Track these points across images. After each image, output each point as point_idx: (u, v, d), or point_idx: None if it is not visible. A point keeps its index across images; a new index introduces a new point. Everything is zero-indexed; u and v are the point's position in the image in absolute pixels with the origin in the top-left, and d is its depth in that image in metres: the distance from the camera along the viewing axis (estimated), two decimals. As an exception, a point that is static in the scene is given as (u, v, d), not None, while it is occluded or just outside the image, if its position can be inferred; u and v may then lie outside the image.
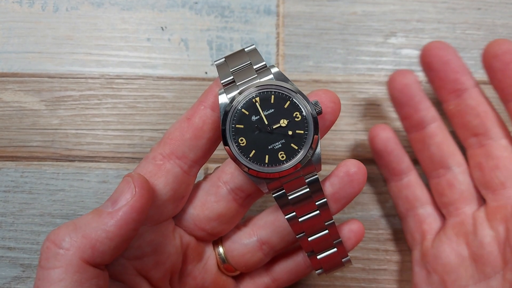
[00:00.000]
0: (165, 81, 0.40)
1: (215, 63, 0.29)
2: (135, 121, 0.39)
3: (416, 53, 0.41)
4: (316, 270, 0.31)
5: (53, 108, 0.39)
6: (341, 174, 0.29)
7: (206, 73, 0.40)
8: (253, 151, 0.27)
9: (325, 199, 0.29)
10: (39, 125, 0.38)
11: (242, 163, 0.27)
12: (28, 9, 0.41)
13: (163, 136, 0.29)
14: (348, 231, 0.31)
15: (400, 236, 0.38)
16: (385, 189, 0.39)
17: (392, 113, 0.40)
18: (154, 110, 0.39)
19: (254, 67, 0.28)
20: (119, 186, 0.26)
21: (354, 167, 0.29)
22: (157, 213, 0.28)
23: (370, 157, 0.39)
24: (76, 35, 0.40)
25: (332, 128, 0.39)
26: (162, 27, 0.41)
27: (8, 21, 0.40)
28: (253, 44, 0.29)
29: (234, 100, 0.27)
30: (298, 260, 0.32)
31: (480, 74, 0.41)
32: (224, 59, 0.29)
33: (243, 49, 0.29)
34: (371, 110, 0.40)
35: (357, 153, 0.39)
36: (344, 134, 0.39)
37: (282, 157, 0.27)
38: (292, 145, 0.27)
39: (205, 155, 0.29)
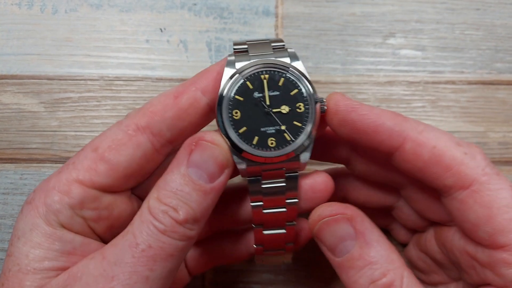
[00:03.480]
0: (164, 82, 0.40)
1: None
2: (134, 122, 0.39)
3: (415, 53, 0.41)
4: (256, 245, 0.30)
5: (52, 110, 0.39)
6: (306, 187, 0.29)
7: (205, 74, 0.40)
8: (244, 128, 0.26)
9: (297, 200, 0.28)
10: (38, 127, 0.38)
11: (230, 137, 0.25)
12: (27, 11, 0.41)
13: (144, 105, 0.27)
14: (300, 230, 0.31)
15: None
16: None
17: (392, 114, 0.40)
18: (153, 111, 0.39)
19: (272, 44, 0.27)
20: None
21: (321, 183, 0.29)
22: (117, 185, 0.27)
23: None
24: (75, 37, 0.40)
25: (332, 129, 0.39)
26: (161, 29, 0.41)
27: (7, 23, 0.40)
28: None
29: (242, 68, 0.26)
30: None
31: (479, 74, 0.41)
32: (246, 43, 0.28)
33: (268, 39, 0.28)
34: (370, 110, 0.40)
35: (356, 153, 0.39)
36: (343, 134, 0.39)
37: (272, 143, 0.26)
38: (285, 134, 0.26)
39: (183, 138, 0.27)
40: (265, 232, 0.29)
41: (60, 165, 0.38)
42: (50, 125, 0.38)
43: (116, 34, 0.41)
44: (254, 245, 0.29)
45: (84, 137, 0.38)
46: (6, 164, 0.38)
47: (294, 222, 0.29)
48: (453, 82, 0.41)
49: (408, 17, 0.42)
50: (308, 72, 0.40)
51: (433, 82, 0.41)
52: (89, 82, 0.39)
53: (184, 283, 0.33)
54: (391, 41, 0.41)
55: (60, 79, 0.39)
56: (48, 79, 0.39)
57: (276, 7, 0.42)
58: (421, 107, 0.40)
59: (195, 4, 0.41)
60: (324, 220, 0.26)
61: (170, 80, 0.40)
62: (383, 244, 0.26)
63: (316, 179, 0.29)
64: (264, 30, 0.41)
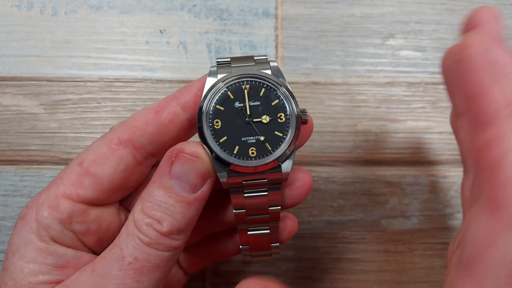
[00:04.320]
0: (164, 84, 0.40)
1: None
2: (134, 124, 0.39)
3: (415, 54, 0.41)
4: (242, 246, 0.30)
5: (52, 111, 0.39)
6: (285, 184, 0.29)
7: (205, 75, 0.40)
8: (225, 138, 0.26)
9: (279, 207, 0.28)
10: (38, 128, 0.38)
11: (210, 146, 0.26)
12: (26, 13, 0.41)
13: (128, 119, 0.28)
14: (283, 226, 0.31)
15: (400, 238, 0.38)
16: (385, 190, 0.39)
17: (392, 115, 0.40)
18: (153, 113, 0.39)
19: (255, 57, 0.28)
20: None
21: (300, 180, 0.29)
22: (103, 198, 0.27)
23: (369, 158, 0.39)
24: (74, 39, 0.40)
25: (332, 129, 0.39)
26: (160, 30, 0.41)
27: (6, 25, 0.40)
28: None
29: (222, 79, 0.26)
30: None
31: (479, 75, 0.41)
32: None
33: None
34: (370, 111, 0.40)
35: (356, 154, 0.39)
36: (343, 135, 0.39)
37: (252, 153, 0.26)
38: (266, 144, 0.26)
39: (165, 151, 0.27)
40: (250, 232, 0.29)
41: (60, 166, 0.38)
42: (50, 127, 0.38)
43: (116, 35, 0.41)
44: (240, 246, 0.30)
45: (84, 138, 0.38)
46: (6, 166, 0.38)
47: (278, 222, 0.29)
48: (453, 83, 0.41)
49: (408, 18, 0.42)
50: (308, 74, 0.41)
51: (433, 83, 0.41)
52: (88, 84, 0.39)
53: (182, 283, 0.34)
54: (391, 42, 0.41)
55: (60, 81, 0.39)
56: (48, 80, 0.39)
57: (276, 8, 0.42)
58: (421, 108, 0.40)
59: (194, 6, 0.41)
60: None
61: (170, 81, 0.40)
62: None
63: (295, 176, 0.29)
64: (263, 32, 0.41)
